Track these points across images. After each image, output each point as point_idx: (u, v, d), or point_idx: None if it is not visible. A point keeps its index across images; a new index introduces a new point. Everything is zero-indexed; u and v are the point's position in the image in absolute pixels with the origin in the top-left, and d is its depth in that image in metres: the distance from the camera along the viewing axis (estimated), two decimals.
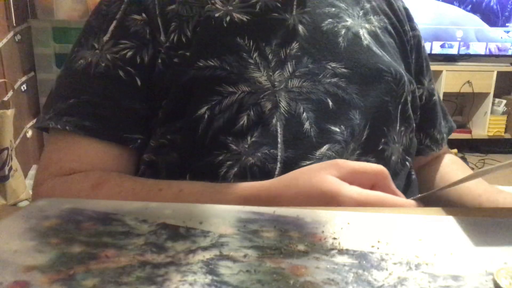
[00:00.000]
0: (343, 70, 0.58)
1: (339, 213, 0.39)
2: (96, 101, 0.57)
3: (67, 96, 0.58)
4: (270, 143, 0.54)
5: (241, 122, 0.55)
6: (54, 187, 0.55)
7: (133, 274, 0.30)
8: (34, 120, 2.08)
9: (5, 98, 1.78)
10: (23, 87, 1.98)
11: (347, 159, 0.55)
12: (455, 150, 2.72)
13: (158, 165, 0.58)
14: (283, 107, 0.55)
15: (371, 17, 0.66)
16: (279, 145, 0.54)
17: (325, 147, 0.55)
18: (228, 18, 0.58)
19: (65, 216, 0.38)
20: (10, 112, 1.66)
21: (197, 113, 0.55)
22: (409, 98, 0.64)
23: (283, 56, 0.58)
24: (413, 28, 0.72)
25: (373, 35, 0.63)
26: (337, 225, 0.37)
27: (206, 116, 0.55)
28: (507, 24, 3.23)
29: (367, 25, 0.63)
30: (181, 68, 0.57)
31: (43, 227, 0.36)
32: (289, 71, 0.57)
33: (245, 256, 0.32)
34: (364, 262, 0.32)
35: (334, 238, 0.35)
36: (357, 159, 0.57)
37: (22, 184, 1.75)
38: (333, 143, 0.55)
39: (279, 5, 0.60)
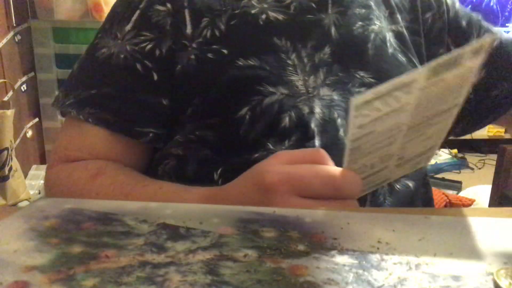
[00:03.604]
0: (371, 80, 0.58)
1: (339, 213, 0.39)
2: (115, 94, 0.58)
3: (89, 85, 0.59)
4: (308, 146, 0.54)
5: (283, 124, 0.55)
6: (60, 173, 0.59)
7: (133, 274, 0.30)
8: (34, 120, 2.08)
9: (5, 98, 1.78)
10: (23, 87, 1.98)
11: None
12: (455, 150, 2.72)
13: (187, 160, 0.58)
14: (318, 114, 0.55)
15: (397, 15, 0.64)
16: None
17: None
18: (263, 16, 0.58)
19: (65, 216, 0.38)
20: (10, 112, 1.66)
21: (238, 114, 0.55)
22: None
23: (316, 61, 0.57)
24: (435, 8, 0.69)
25: (399, 37, 0.62)
26: (337, 225, 0.37)
27: (247, 117, 0.55)
28: (507, 24, 3.22)
29: (393, 27, 0.62)
30: (219, 66, 0.56)
31: (43, 227, 0.36)
32: (321, 78, 0.57)
33: (245, 256, 0.32)
34: (364, 262, 0.32)
35: (334, 238, 0.35)
36: None
37: (22, 184, 1.75)
38: None
39: (313, 5, 0.59)
